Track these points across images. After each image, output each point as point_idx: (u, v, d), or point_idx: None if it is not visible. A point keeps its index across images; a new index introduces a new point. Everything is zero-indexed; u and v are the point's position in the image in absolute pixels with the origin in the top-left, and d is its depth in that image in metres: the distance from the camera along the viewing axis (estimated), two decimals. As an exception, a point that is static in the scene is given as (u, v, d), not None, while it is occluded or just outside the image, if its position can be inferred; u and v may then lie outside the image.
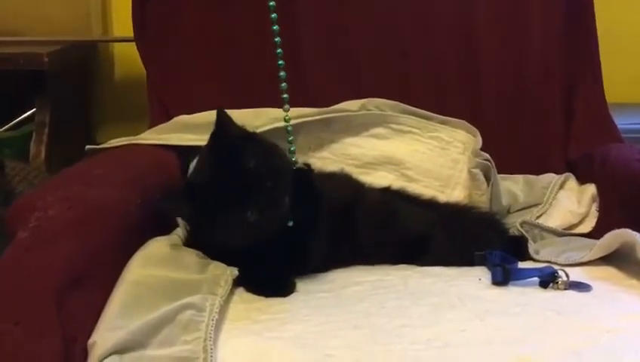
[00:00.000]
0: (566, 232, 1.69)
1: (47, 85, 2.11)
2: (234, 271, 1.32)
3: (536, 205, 1.73)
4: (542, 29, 1.96)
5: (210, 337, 1.12)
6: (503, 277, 1.37)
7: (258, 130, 1.55)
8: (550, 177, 1.81)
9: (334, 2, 1.95)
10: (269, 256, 1.35)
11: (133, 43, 1.97)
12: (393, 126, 1.79)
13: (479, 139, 1.76)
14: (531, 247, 1.55)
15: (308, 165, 1.47)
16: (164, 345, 1.10)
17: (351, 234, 1.50)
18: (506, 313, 1.26)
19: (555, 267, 1.40)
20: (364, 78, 1.93)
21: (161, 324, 1.12)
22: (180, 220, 1.49)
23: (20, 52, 2.08)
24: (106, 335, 1.10)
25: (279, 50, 1.42)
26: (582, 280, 1.37)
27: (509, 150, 1.88)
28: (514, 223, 1.66)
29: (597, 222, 1.70)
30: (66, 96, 2.22)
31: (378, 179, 1.74)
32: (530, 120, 1.94)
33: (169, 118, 1.84)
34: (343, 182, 1.62)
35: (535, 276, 1.38)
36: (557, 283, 1.36)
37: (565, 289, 1.35)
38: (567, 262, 1.46)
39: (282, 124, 1.61)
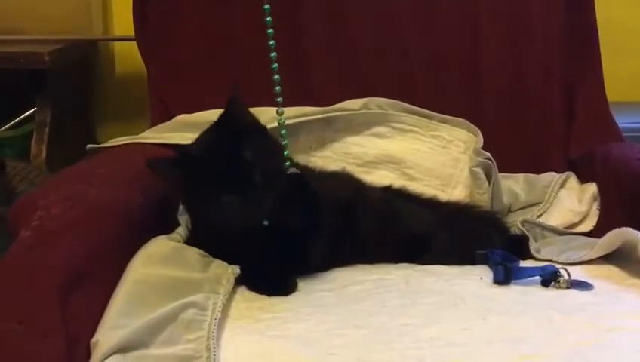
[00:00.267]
0: (567, 231, 1.69)
1: (48, 84, 2.11)
2: (236, 270, 1.33)
3: (537, 204, 1.73)
4: (543, 28, 1.95)
5: (213, 336, 1.12)
6: (504, 276, 1.37)
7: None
8: (551, 176, 1.81)
9: (336, 2, 1.95)
10: (270, 255, 1.35)
11: (134, 42, 1.97)
12: (394, 125, 1.79)
13: (480, 138, 1.76)
14: (532, 246, 1.55)
15: (298, 165, 1.48)
16: (167, 343, 1.11)
17: (352, 233, 1.50)
18: (507, 312, 1.26)
19: (557, 266, 1.40)
20: (366, 77, 1.93)
21: (163, 323, 1.13)
22: (181, 220, 1.49)
23: (20, 51, 2.09)
24: (108, 334, 1.11)
25: (273, 54, 1.42)
26: (583, 279, 1.37)
27: (509, 149, 1.88)
28: (515, 222, 1.66)
29: (598, 221, 1.70)
30: (66, 95, 2.23)
31: (379, 178, 1.74)
32: (531, 119, 1.94)
33: (170, 116, 1.84)
34: (344, 181, 1.62)
35: (537, 275, 1.38)
36: (559, 282, 1.36)
37: (567, 288, 1.35)
38: (568, 261, 1.46)
39: (282, 118, 1.62)
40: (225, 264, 1.34)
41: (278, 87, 1.42)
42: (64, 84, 2.21)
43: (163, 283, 1.24)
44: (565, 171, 1.84)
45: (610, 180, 1.72)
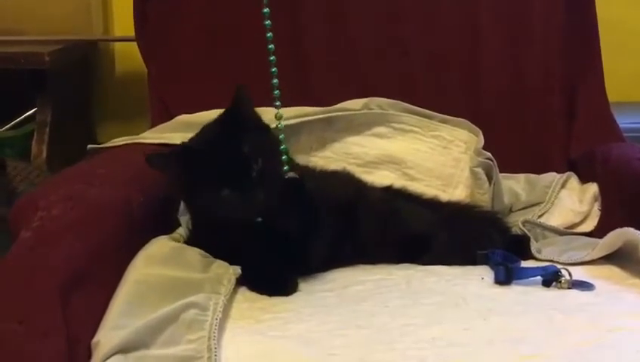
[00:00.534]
0: (568, 231, 1.69)
1: (48, 84, 2.11)
2: (237, 270, 1.33)
3: (537, 204, 1.73)
4: (543, 28, 1.95)
5: (214, 336, 1.12)
6: (505, 277, 1.37)
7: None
8: (552, 176, 1.81)
9: (336, 2, 1.95)
10: (271, 255, 1.35)
11: (134, 42, 1.97)
12: (395, 125, 1.79)
13: (481, 138, 1.76)
14: (533, 246, 1.55)
15: (299, 165, 1.48)
16: (168, 344, 1.11)
17: (353, 233, 1.50)
18: (509, 312, 1.26)
19: (558, 266, 1.40)
20: (366, 77, 1.93)
21: (164, 323, 1.13)
22: (182, 220, 1.49)
23: (20, 51, 2.09)
24: (109, 334, 1.11)
25: (272, 58, 1.42)
26: (584, 279, 1.37)
27: (510, 149, 1.88)
28: (516, 222, 1.66)
29: (599, 221, 1.70)
30: (67, 96, 2.23)
31: (380, 178, 1.74)
32: (531, 119, 1.94)
33: (170, 116, 1.84)
34: (344, 181, 1.62)
35: (538, 275, 1.38)
36: (560, 282, 1.36)
37: (568, 288, 1.35)
38: (569, 261, 1.46)
39: (283, 123, 1.62)
40: (226, 264, 1.34)
41: (276, 91, 1.41)
42: (64, 85, 2.20)
43: (164, 284, 1.24)
44: (566, 171, 1.84)
45: (610, 180, 1.71)
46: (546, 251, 1.53)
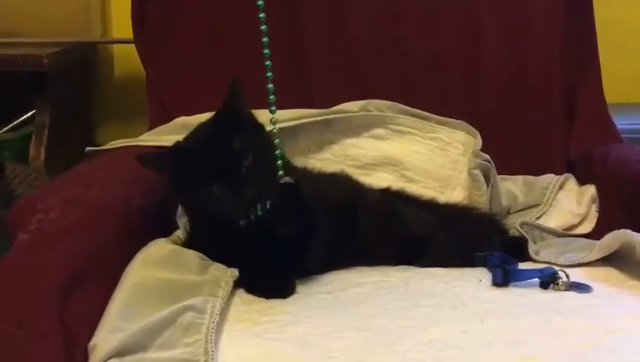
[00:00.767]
0: (566, 233, 1.69)
1: (47, 86, 2.11)
2: (234, 273, 1.32)
3: (535, 206, 1.73)
4: (543, 29, 1.95)
5: (211, 339, 1.12)
6: (503, 279, 1.37)
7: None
8: (550, 178, 1.81)
9: (336, 2, 1.95)
10: (268, 258, 1.35)
11: (133, 44, 1.97)
12: (393, 127, 1.79)
13: (479, 140, 1.76)
14: (531, 248, 1.55)
15: (296, 168, 1.48)
16: (165, 347, 1.10)
17: (351, 235, 1.49)
18: (506, 314, 1.26)
19: (555, 268, 1.40)
20: (366, 77, 1.93)
21: (162, 327, 1.13)
22: (180, 223, 1.49)
23: (19, 53, 2.09)
24: (106, 337, 1.11)
25: (268, 63, 1.41)
26: (582, 281, 1.37)
27: (510, 149, 1.89)
28: (514, 224, 1.66)
29: (597, 223, 1.70)
30: (65, 98, 2.22)
31: (378, 180, 1.73)
32: (531, 119, 1.94)
33: (168, 118, 1.84)
34: (343, 183, 1.62)
35: (535, 277, 1.38)
36: (557, 284, 1.36)
37: (566, 290, 1.35)
38: (567, 263, 1.46)
39: (281, 125, 1.62)
40: (224, 267, 1.34)
41: (272, 96, 1.41)
42: (63, 87, 2.20)
43: (161, 286, 1.24)
44: (564, 172, 1.84)
45: (609, 181, 1.72)
46: (543, 253, 1.53)
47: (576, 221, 1.71)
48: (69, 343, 1.10)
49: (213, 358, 1.09)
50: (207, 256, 1.38)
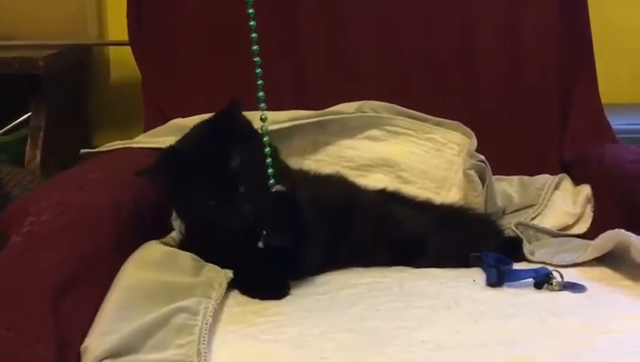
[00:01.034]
0: (561, 233, 1.69)
1: (43, 89, 2.11)
2: (228, 274, 1.32)
3: (531, 206, 1.73)
4: (538, 30, 1.96)
5: (204, 341, 1.12)
6: (497, 279, 1.37)
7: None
8: (545, 178, 1.81)
9: (334, 2, 1.96)
10: (263, 259, 1.35)
11: (129, 46, 1.97)
12: (388, 128, 1.79)
13: (474, 140, 1.75)
14: (526, 248, 1.55)
15: (292, 170, 1.47)
16: (158, 348, 1.10)
17: (347, 236, 1.50)
18: (500, 314, 1.26)
19: (550, 268, 1.40)
20: (363, 78, 1.93)
21: (154, 328, 1.12)
22: (175, 225, 1.49)
23: (14, 56, 2.09)
24: (99, 339, 1.10)
25: (255, 47, 1.40)
26: (577, 281, 1.37)
27: (506, 150, 1.89)
28: (509, 224, 1.66)
29: (592, 223, 1.70)
30: (61, 100, 2.22)
31: (374, 181, 1.74)
32: (526, 120, 1.94)
33: (164, 120, 1.84)
34: (338, 184, 1.62)
35: (530, 277, 1.38)
36: (551, 284, 1.36)
37: (560, 290, 1.35)
38: (561, 263, 1.46)
39: (276, 126, 1.62)
40: (218, 268, 1.34)
41: (261, 93, 1.39)
42: (59, 89, 2.20)
43: (155, 288, 1.23)
44: (560, 173, 1.84)
45: (603, 182, 1.71)
46: (539, 253, 1.53)
47: (571, 221, 1.71)
48: (62, 345, 1.10)
49: (205, 359, 1.09)
50: (202, 258, 1.38)
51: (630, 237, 1.38)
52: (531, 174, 1.85)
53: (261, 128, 1.40)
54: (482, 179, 1.71)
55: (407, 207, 1.63)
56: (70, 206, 1.30)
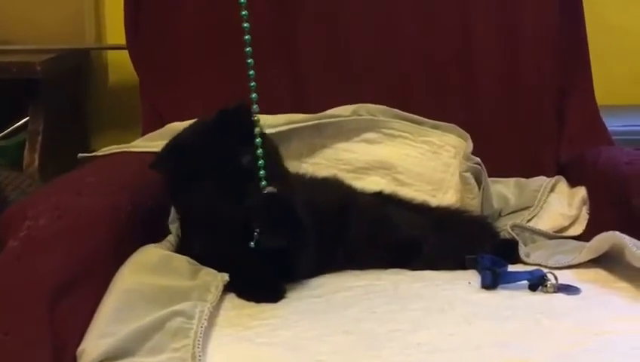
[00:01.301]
0: (557, 235, 1.69)
1: (41, 93, 2.11)
2: (225, 278, 1.33)
3: (527, 208, 1.73)
4: (535, 32, 1.96)
5: (199, 344, 1.12)
6: (492, 281, 1.38)
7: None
8: (541, 180, 1.81)
9: (332, 3, 1.96)
10: (258, 262, 1.35)
11: (127, 50, 1.98)
12: (384, 131, 1.80)
13: (470, 143, 1.76)
14: (522, 250, 1.55)
15: (289, 173, 1.48)
16: (154, 352, 1.10)
17: (344, 238, 1.50)
18: (494, 316, 1.26)
19: (545, 270, 1.41)
20: (361, 78, 1.94)
21: (150, 331, 1.13)
22: (172, 228, 1.50)
23: (12, 60, 2.09)
24: (95, 342, 1.11)
25: (248, 49, 1.40)
26: (571, 283, 1.37)
27: (502, 152, 1.89)
28: (505, 226, 1.66)
29: (587, 225, 1.70)
30: (59, 104, 2.23)
31: (370, 183, 1.74)
32: (522, 122, 1.95)
33: (162, 124, 1.85)
34: (334, 186, 1.63)
35: (524, 279, 1.38)
36: (546, 286, 1.36)
37: (554, 292, 1.35)
38: (557, 265, 1.46)
39: (273, 130, 1.62)
40: (214, 272, 1.34)
41: (254, 95, 1.38)
42: (57, 93, 2.21)
43: (151, 292, 1.24)
44: (556, 174, 1.85)
45: (599, 184, 1.72)
46: (534, 255, 1.54)
47: (567, 223, 1.71)
48: (58, 349, 1.10)
49: (200, 363, 1.10)
50: (198, 261, 1.38)
51: (624, 238, 1.38)
52: (527, 176, 1.85)
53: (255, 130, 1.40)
54: (478, 182, 1.72)
55: (403, 209, 1.63)
56: (67, 210, 1.30)
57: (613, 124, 1.97)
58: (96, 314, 1.19)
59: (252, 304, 1.32)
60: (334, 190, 1.61)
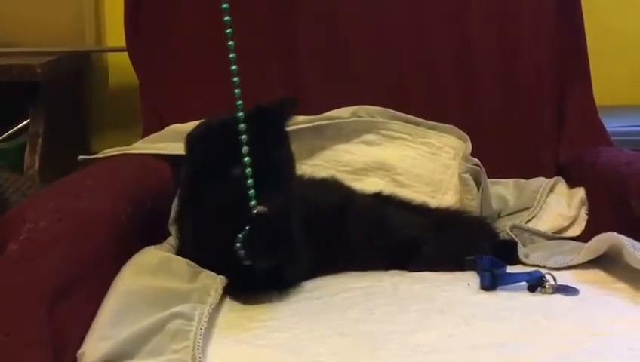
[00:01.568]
0: (556, 236, 1.70)
1: (41, 96, 2.11)
2: (224, 280, 1.33)
3: (526, 209, 1.74)
4: (533, 33, 1.97)
5: (199, 346, 1.12)
6: (491, 282, 1.38)
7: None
8: (540, 181, 1.82)
9: (330, 3, 1.97)
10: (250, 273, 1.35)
11: (127, 52, 1.98)
12: (384, 132, 1.80)
13: (469, 144, 1.76)
14: (521, 251, 1.56)
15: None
16: (153, 354, 1.11)
17: (342, 240, 1.50)
18: (493, 318, 1.26)
19: (544, 271, 1.41)
20: (359, 79, 1.95)
21: (150, 334, 1.13)
22: (172, 230, 1.50)
23: (12, 63, 2.09)
24: (95, 345, 1.11)
25: (234, 67, 1.38)
26: (570, 284, 1.38)
27: (500, 153, 1.90)
28: (504, 227, 1.67)
29: (586, 226, 1.71)
30: (59, 107, 2.23)
31: (369, 185, 1.75)
32: (521, 123, 1.95)
33: (162, 126, 1.85)
34: (333, 188, 1.63)
35: (523, 280, 1.39)
36: (544, 287, 1.36)
37: (553, 293, 1.36)
38: (555, 266, 1.47)
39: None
40: (214, 274, 1.35)
41: (237, 90, 1.35)
42: (57, 96, 2.21)
43: (151, 294, 1.24)
44: (555, 175, 1.85)
45: (598, 184, 1.72)
46: (533, 256, 1.54)
47: (566, 224, 1.72)
48: (58, 351, 1.10)
49: (200, 365, 1.10)
50: (198, 264, 1.38)
51: (622, 239, 1.38)
52: (526, 177, 1.86)
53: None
54: (477, 183, 1.72)
55: (402, 210, 1.64)
56: (67, 213, 1.30)
57: (612, 125, 1.97)
58: (96, 316, 1.18)
59: (251, 306, 1.32)
60: (333, 191, 1.61)
